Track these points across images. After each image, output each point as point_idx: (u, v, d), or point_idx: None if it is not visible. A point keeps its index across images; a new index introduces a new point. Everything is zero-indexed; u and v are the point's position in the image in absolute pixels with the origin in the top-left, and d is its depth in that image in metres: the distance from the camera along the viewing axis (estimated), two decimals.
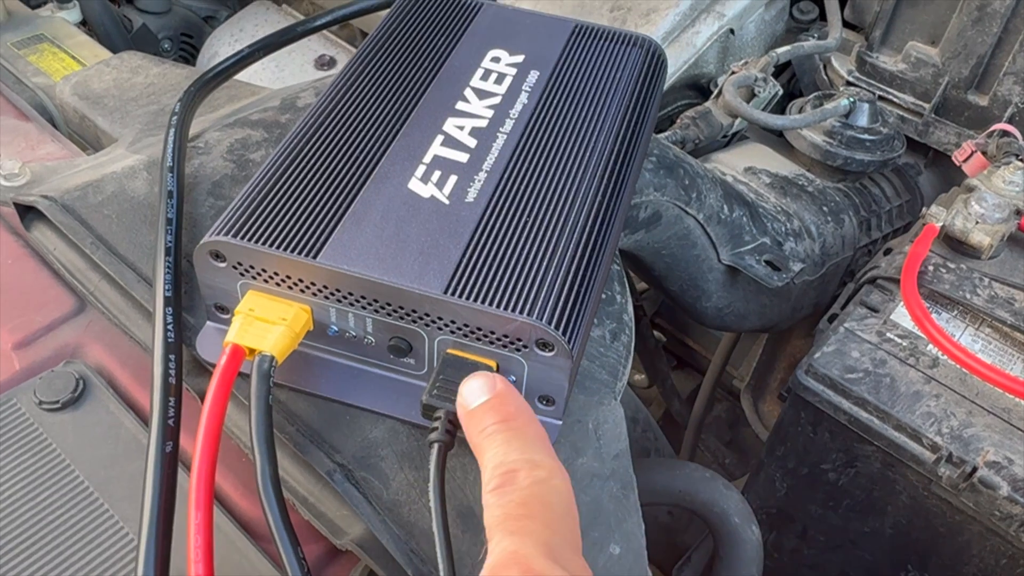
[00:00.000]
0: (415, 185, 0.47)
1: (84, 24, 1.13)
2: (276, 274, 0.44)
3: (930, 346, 0.65)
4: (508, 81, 0.56)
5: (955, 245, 0.71)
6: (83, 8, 1.11)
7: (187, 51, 1.36)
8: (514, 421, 0.38)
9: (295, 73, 1.18)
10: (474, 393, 0.40)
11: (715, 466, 1.18)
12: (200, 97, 0.64)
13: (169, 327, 0.47)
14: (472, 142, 0.51)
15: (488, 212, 0.46)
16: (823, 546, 0.73)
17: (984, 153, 0.76)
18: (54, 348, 0.55)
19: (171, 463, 0.42)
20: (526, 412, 0.39)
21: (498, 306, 0.42)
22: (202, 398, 0.50)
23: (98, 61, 0.78)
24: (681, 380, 1.21)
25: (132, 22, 1.26)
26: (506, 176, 0.49)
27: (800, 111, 0.86)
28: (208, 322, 0.48)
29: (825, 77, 0.97)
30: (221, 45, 1.25)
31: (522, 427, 0.38)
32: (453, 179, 0.48)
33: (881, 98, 0.90)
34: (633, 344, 0.55)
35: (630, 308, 0.57)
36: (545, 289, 0.43)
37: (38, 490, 0.48)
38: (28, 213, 0.59)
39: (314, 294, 0.44)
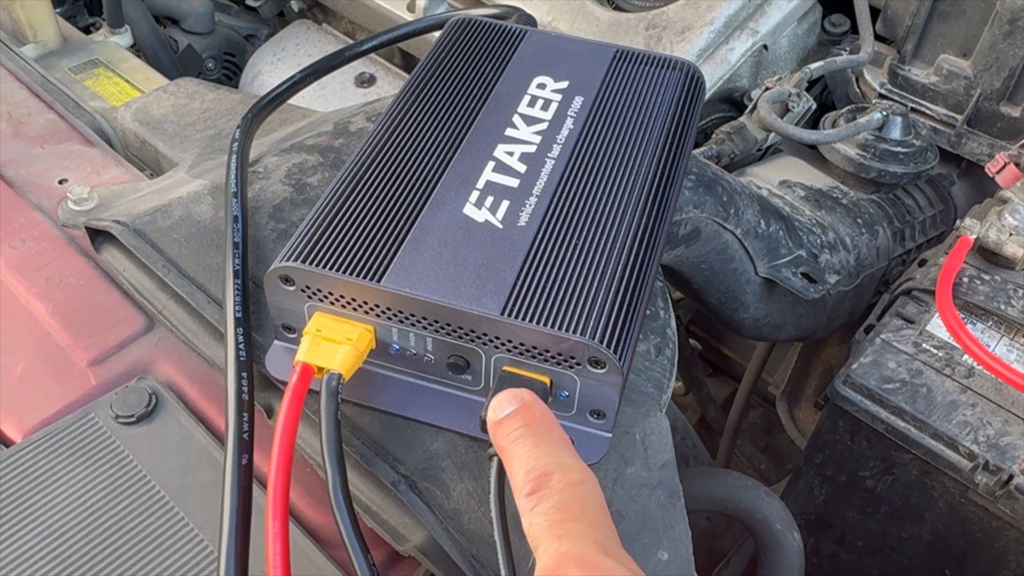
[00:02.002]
0: (470, 210, 0.50)
1: (134, 47, 1.17)
2: (342, 297, 0.46)
3: (965, 356, 0.66)
4: (554, 107, 0.58)
5: (989, 257, 0.72)
6: (134, 32, 1.15)
7: (230, 69, 1.40)
8: (539, 425, 0.40)
9: (336, 91, 1.21)
10: (502, 405, 0.42)
11: (750, 471, 1.19)
12: (256, 123, 0.67)
13: (240, 346, 0.50)
14: (522, 167, 0.53)
15: (539, 235, 0.49)
16: (861, 551, 0.75)
17: (1017, 165, 0.77)
18: (127, 365, 0.59)
19: (247, 474, 0.45)
20: (550, 418, 0.41)
21: (552, 326, 0.44)
22: (268, 411, 0.53)
23: (156, 88, 0.81)
24: (716, 387, 1.23)
25: (178, 43, 1.30)
26: (555, 200, 0.51)
27: (833, 125, 0.87)
28: (276, 341, 0.51)
29: (858, 90, 0.98)
30: (264, 64, 1.28)
31: (547, 431, 0.40)
32: (505, 204, 0.51)
33: (913, 110, 0.92)
34: (676, 357, 0.58)
35: (673, 323, 0.59)
36: (596, 308, 0.45)
37: (118, 499, 0.51)
38: (98, 236, 0.62)
39: (378, 315, 0.47)
